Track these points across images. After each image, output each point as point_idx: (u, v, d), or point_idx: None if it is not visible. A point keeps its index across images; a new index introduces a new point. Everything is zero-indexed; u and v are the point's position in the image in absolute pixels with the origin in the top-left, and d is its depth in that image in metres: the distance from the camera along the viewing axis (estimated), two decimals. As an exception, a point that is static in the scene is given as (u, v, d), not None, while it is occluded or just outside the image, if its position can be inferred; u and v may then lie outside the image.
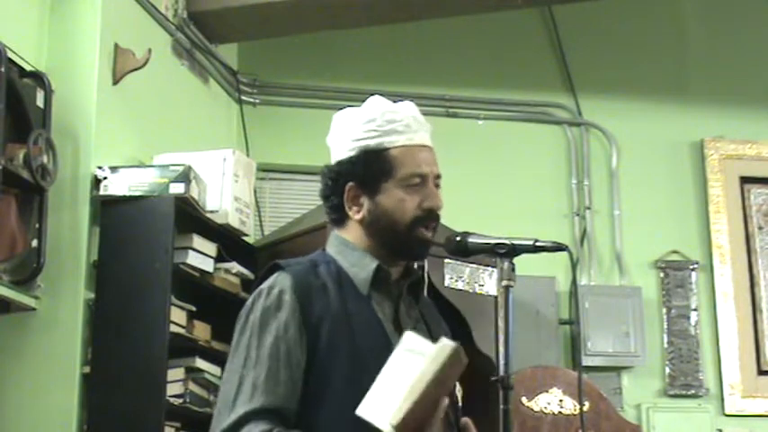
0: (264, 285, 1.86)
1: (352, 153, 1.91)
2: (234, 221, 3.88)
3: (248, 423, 1.73)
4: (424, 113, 2.01)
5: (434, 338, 1.72)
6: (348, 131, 1.94)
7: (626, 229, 5.19)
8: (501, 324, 1.81)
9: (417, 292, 2.00)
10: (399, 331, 1.86)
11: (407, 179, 1.89)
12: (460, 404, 1.96)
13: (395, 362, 1.69)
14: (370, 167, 1.89)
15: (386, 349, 1.74)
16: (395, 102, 1.98)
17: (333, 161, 1.96)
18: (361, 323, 1.83)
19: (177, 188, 3.61)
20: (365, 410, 1.66)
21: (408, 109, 1.96)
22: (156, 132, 4.06)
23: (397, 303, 1.92)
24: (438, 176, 1.94)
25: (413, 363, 1.67)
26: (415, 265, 2.02)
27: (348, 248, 1.92)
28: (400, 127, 1.91)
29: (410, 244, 1.90)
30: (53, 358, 3.46)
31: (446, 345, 1.64)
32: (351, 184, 1.91)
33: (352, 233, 1.93)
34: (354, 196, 1.91)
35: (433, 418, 1.66)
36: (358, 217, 1.91)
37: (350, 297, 1.86)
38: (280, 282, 1.85)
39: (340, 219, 1.95)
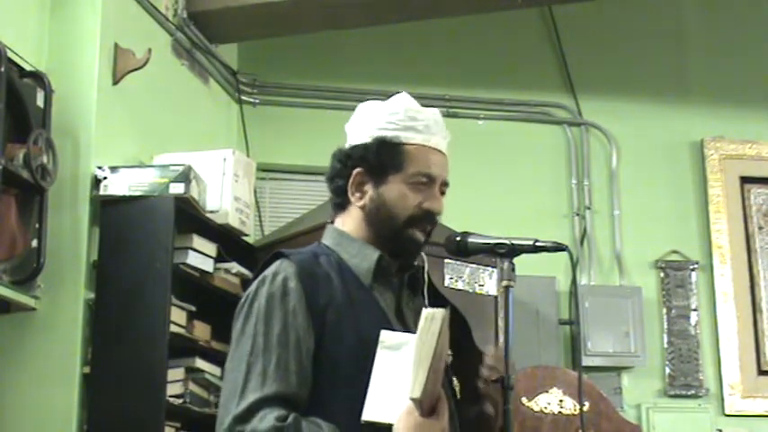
0: (268, 272, 1.84)
1: (368, 140, 1.92)
2: (234, 221, 3.88)
3: (261, 410, 1.70)
4: (424, 114, 2.02)
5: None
6: (368, 120, 1.94)
7: (626, 229, 5.19)
8: (501, 324, 1.81)
9: (415, 286, 1.99)
10: (402, 322, 1.88)
11: (415, 176, 1.89)
12: (458, 397, 1.96)
13: (381, 363, 1.70)
14: (382, 157, 1.90)
15: None
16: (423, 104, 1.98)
17: (347, 146, 1.96)
18: (365, 312, 1.83)
19: (177, 188, 3.61)
20: (370, 414, 1.66)
21: (432, 113, 1.97)
22: (156, 132, 4.06)
23: (399, 294, 1.92)
24: (445, 183, 1.94)
25: (399, 358, 1.67)
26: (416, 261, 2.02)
27: (347, 240, 1.92)
28: (420, 126, 1.92)
29: (401, 241, 1.90)
30: (53, 358, 3.46)
31: (436, 311, 1.63)
32: (359, 169, 1.91)
33: (351, 220, 1.93)
34: (360, 182, 1.91)
35: (439, 389, 1.68)
36: (359, 204, 1.91)
37: (352, 287, 1.85)
38: (284, 269, 1.83)
39: (342, 203, 1.95)
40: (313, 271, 1.84)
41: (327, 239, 1.95)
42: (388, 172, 1.90)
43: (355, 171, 1.91)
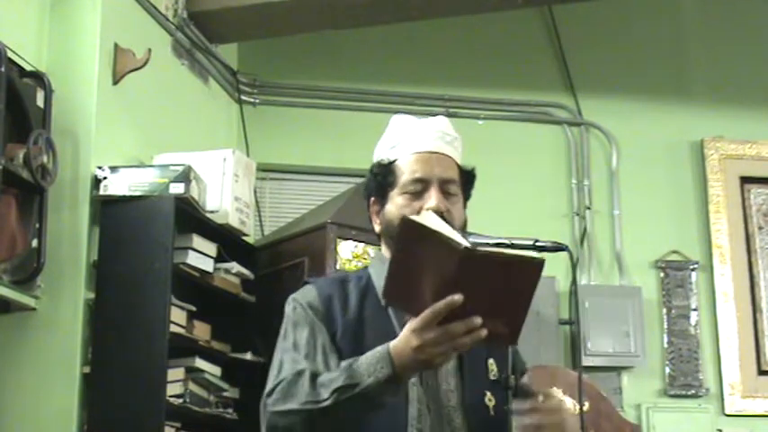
0: (295, 295, 1.99)
1: (372, 169, 2.03)
2: (234, 221, 3.88)
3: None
4: (424, 114, 2.03)
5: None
6: (376, 150, 2.06)
7: (626, 229, 5.19)
8: (501, 324, 1.80)
9: None
10: None
11: (406, 186, 1.96)
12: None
13: None
14: (380, 180, 1.99)
15: None
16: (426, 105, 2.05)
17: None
18: (373, 331, 1.88)
19: (177, 188, 3.61)
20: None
21: (433, 122, 2.03)
22: (156, 132, 4.06)
23: None
24: (446, 181, 1.97)
25: None
26: None
27: (380, 261, 2.00)
28: (409, 138, 1.99)
29: None
30: (53, 358, 3.46)
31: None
32: (372, 198, 2.03)
33: (383, 245, 2.04)
34: (375, 211, 2.02)
35: (430, 298, 1.63)
36: (378, 230, 2.02)
37: (369, 306, 1.93)
38: (305, 293, 1.97)
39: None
40: (330, 294, 1.95)
41: (372, 263, 2.07)
42: (387, 191, 1.99)
43: (370, 200, 2.03)
